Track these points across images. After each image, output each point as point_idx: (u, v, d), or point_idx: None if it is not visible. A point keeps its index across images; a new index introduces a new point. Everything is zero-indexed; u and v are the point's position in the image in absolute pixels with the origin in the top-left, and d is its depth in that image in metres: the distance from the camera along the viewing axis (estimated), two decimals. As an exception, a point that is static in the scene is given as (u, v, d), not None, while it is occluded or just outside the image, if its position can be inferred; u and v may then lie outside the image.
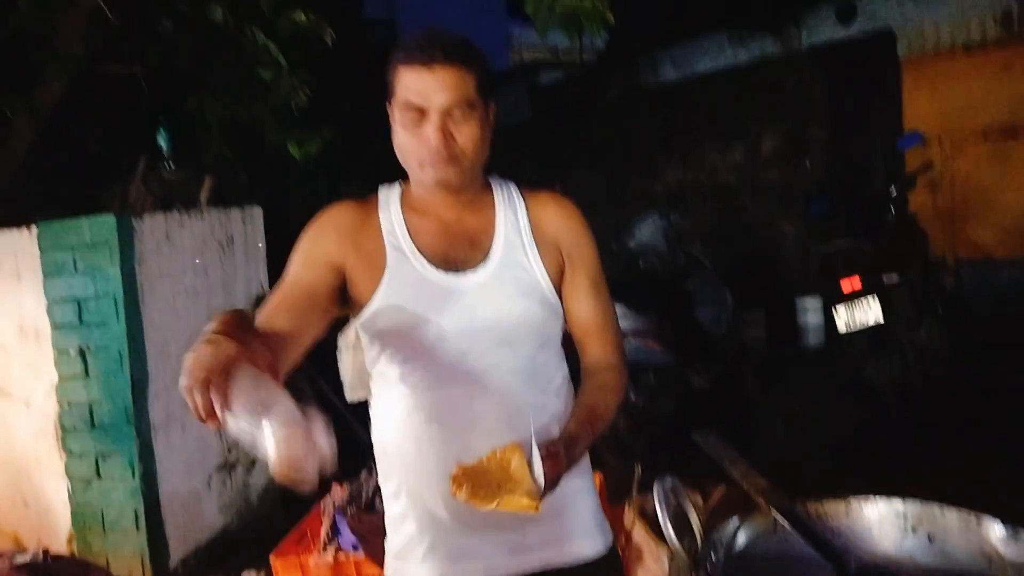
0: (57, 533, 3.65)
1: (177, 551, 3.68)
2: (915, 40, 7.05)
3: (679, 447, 3.93)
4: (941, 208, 7.00)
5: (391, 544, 1.65)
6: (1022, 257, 6.57)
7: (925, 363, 4.50)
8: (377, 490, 2.93)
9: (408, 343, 1.54)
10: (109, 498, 3.56)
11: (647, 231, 5.14)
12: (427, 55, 1.45)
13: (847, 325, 4.36)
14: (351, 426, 3.67)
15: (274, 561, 3.05)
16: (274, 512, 4.23)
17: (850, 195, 5.84)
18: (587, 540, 1.61)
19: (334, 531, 2.99)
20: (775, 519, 1.26)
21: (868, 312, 4.29)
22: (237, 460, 4.10)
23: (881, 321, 4.27)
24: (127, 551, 3.54)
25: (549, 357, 1.61)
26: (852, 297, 4.35)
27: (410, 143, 1.51)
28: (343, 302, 1.58)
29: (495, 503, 1.25)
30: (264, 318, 1.46)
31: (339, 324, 1.64)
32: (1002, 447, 4.01)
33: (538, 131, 9.50)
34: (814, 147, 7.15)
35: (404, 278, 1.55)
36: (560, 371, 1.63)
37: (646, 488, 3.02)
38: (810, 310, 6.61)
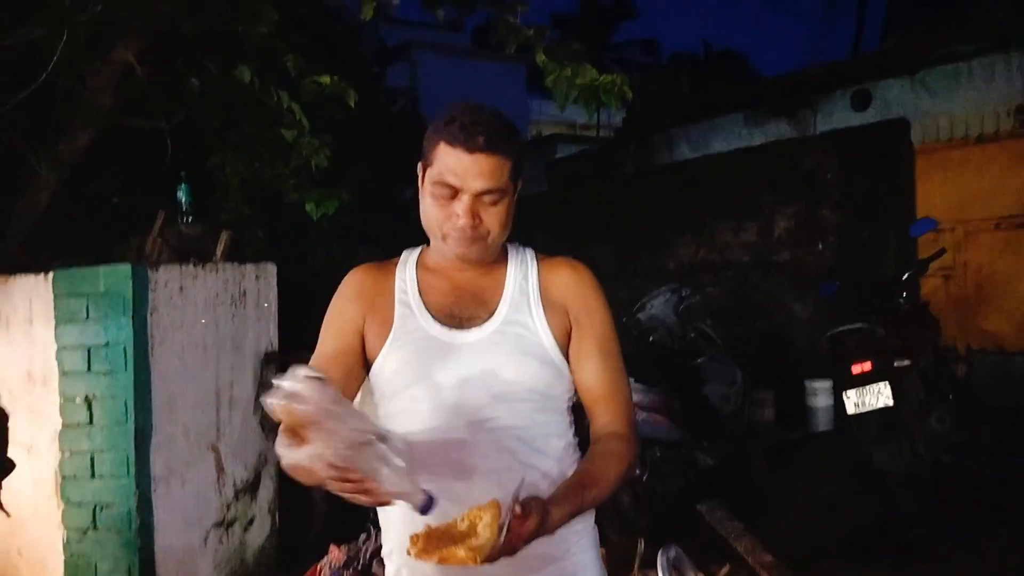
0: (48, 584, 3.59)
1: (168, 608, 3.61)
2: (929, 129, 7.15)
3: (684, 524, 3.88)
4: (954, 296, 7.00)
5: None
6: (1035, 349, 6.53)
7: (934, 450, 4.44)
8: (375, 554, 2.89)
9: (408, 396, 1.55)
10: (104, 550, 3.50)
11: (659, 305, 5.15)
12: (471, 141, 1.47)
13: (856, 407, 4.31)
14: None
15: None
16: (269, 572, 4.15)
17: (861, 279, 5.84)
18: None
19: (328, 596, 2.94)
20: (780, 599, 1.23)
21: (878, 396, 4.26)
22: (235, 517, 4.04)
23: (891, 404, 4.23)
24: (117, 606, 3.47)
25: (551, 420, 1.59)
26: (862, 380, 4.32)
27: (437, 216, 1.54)
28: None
29: (437, 556, 1.24)
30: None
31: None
32: (1010, 539, 3.93)
33: (553, 202, 9.61)
34: (827, 230, 7.19)
35: (409, 333, 1.57)
36: (563, 437, 1.61)
37: (648, 564, 2.96)
38: (819, 392, 6.55)
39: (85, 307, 3.53)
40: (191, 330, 3.83)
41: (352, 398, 1.57)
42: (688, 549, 3.17)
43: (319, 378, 1.20)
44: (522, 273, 1.64)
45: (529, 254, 1.68)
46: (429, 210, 1.55)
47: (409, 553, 1.28)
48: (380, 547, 2.92)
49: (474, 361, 1.54)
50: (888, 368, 4.32)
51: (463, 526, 1.33)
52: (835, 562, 3.71)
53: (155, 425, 3.58)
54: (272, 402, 1.19)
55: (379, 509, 1.64)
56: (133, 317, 3.50)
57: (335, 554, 2.99)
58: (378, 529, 3.10)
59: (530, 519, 1.31)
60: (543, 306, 1.60)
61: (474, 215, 1.51)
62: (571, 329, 1.61)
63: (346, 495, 1.25)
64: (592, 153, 11.70)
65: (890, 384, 4.28)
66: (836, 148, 7.19)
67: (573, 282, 1.65)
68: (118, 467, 3.49)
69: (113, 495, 3.50)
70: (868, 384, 4.30)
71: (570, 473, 1.55)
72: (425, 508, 1.30)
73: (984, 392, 5.52)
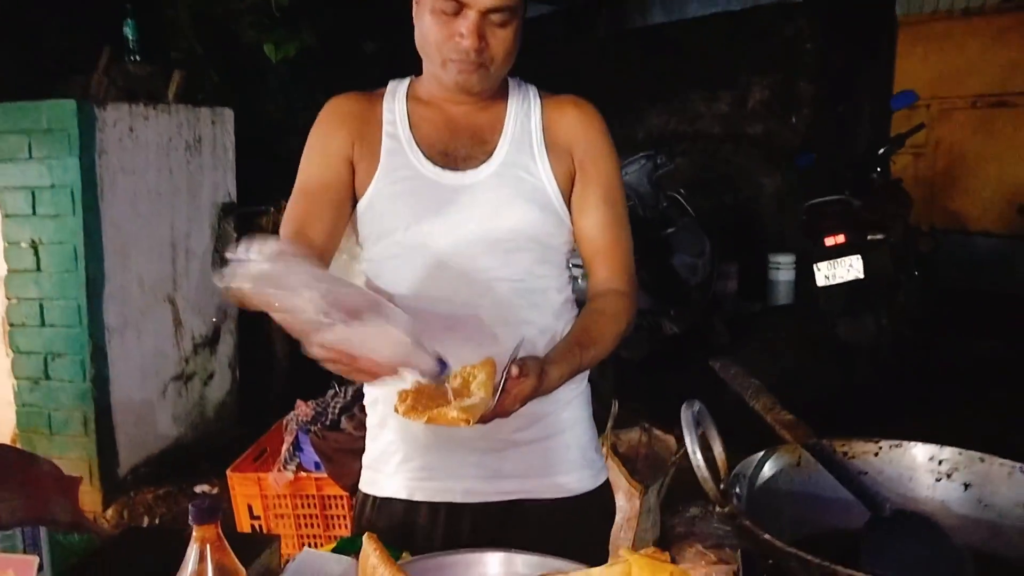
0: (1, 434, 3.48)
1: (128, 460, 3.54)
2: (914, 1, 6.92)
3: (649, 390, 3.89)
4: (922, 174, 6.97)
5: (368, 453, 1.56)
6: (998, 231, 6.58)
7: (898, 324, 4.48)
8: (343, 409, 2.82)
9: (395, 242, 1.42)
10: (57, 400, 3.39)
11: (633, 172, 5.01)
12: None
13: (827, 279, 4.30)
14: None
15: (231, 476, 2.93)
16: (231, 427, 4.09)
17: (836, 153, 5.75)
18: (574, 475, 1.51)
19: (296, 449, 2.87)
20: (801, 455, 1.16)
21: (849, 269, 4.24)
22: (194, 372, 3.95)
23: (861, 278, 4.22)
24: (74, 456, 3.39)
25: (550, 272, 1.48)
26: (835, 253, 4.29)
27: (437, 36, 1.35)
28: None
29: (426, 416, 1.15)
30: (294, 230, 1.36)
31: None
32: (965, 411, 4.02)
33: (522, 64, 9.23)
34: (802, 102, 7.03)
35: (397, 171, 1.42)
36: (562, 291, 1.51)
37: (619, 425, 2.94)
38: (782, 267, 6.56)
39: (27, 145, 3.27)
40: (143, 175, 3.61)
41: (340, 238, 1.43)
42: (654, 414, 3.18)
43: (292, 253, 1.06)
44: (524, 111, 1.48)
45: (532, 91, 1.52)
46: (427, 30, 1.37)
47: (397, 410, 1.18)
48: (349, 402, 2.86)
49: (470, 206, 1.40)
50: (861, 242, 4.29)
51: (455, 383, 1.24)
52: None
53: (107, 274, 3.40)
54: (236, 284, 1.03)
55: None
56: (80, 158, 3.26)
57: (302, 409, 2.91)
58: (344, 385, 3.03)
59: (527, 380, 1.22)
60: (546, 148, 1.46)
61: (480, 36, 1.33)
62: (575, 174, 1.48)
63: (348, 375, 1.15)
64: (561, 14, 11.20)
65: (862, 257, 4.25)
66: (818, 16, 6.93)
67: (580, 123, 1.50)
68: (69, 316, 3.33)
69: (65, 345, 3.36)
70: (840, 257, 4.27)
71: (567, 330, 1.45)
72: (437, 374, 1.19)
73: (945, 272, 5.57)
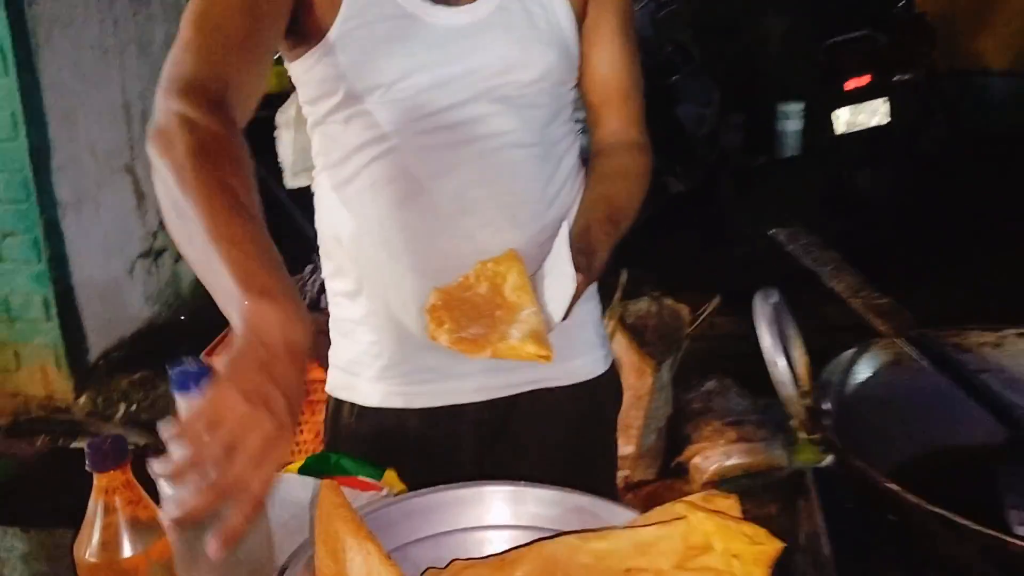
0: (-44, 321, 3.22)
1: (97, 344, 3.29)
2: None
3: (654, 253, 3.61)
4: (941, 9, 6.45)
5: (338, 353, 1.30)
6: (1021, 70, 6.15)
7: (922, 172, 4.16)
8: (323, 287, 2.53)
9: (375, 96, 1.08)
10: (13, 283, 3.10)
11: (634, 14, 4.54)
12: None
13: (847, 126, 3.94)
14: (292, 216, 3.24)
15: (207, 360, 2.68)
16: (210, 304, 3.82)
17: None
18: (588, 356, 1.28)
19: (273, 331, 2.61)
20: (900, 352, 0.88)
21: (874, 113, 3.88)
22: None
23: (886, 122, 3.86)
24: (38, 342, 3.14)
25: (565, 130, 1.21)
26: (857, 96, 3.92)
27: None
28: (293, 33, 1.08)
29: (488, 351, 0.92)
30: (206, 64, 0.96)
31: (275, 100, 1.22)
32: (985, 266, 3.76)
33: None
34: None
35: (373, 6, 1.07)
36: (572, 151, 1.23)
37: (627, 297, 2.68)
38: (791, 116, 6.14)
39: (-60, -7, 2.83)
40: (83, 29, 3.18)
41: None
42: (662, 281, 2.91)
43: None
44: None
45: None
46: None
47: (435, 338, 0.94)
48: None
49: (472, 52, 1.10)
50: (887, 83, 3.91)
51: (481, 288, 1.01)
52: (802, 292, 3.53)
53: (53, 142, 3.04)
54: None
55: (324, 235, 1.23)
56: (7, 7, 2.83)
57: (277, 287, 2.63)
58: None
59: (585, 276, 1.01)
60: None
61: None
62: (587, 4, 1.18)
63: None
64: None
65: (888, 101, 3.89)
66: None
67: None
68: (16, 190, 3.00)
69: (15, 222, 3.04)
70: (864, 100, 3.90)
71: (578, 197, 1.20)
72: None
73: (968, 115, 5.21)
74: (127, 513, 0.80)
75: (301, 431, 2.72)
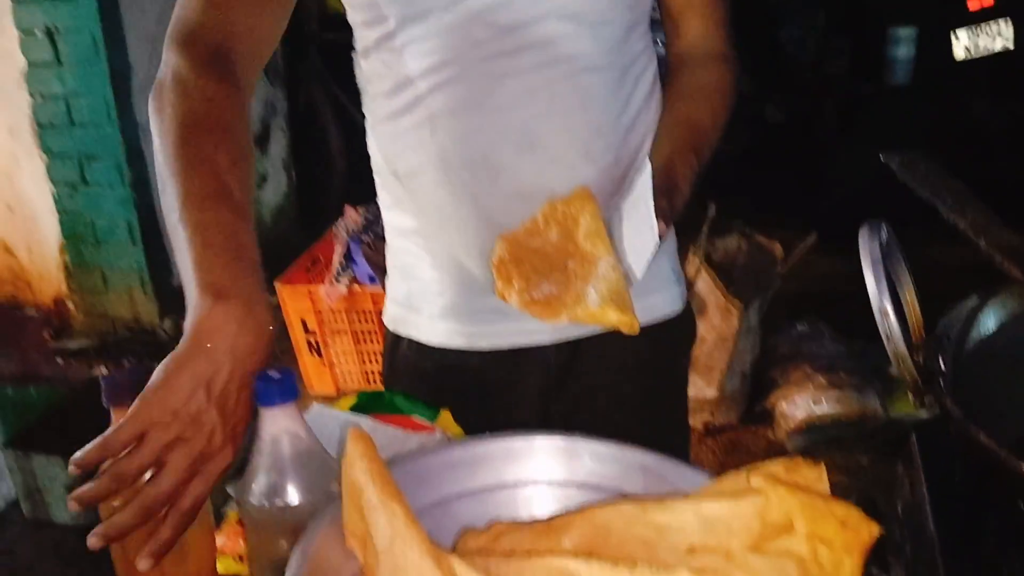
0: (47, 242, 3.29)
1: (181, 269, 3.33)
2: None
3: (747, 187, 3.41)
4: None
5: (396, 287, 1.21)
6: None
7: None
8: (396, 215, 2.47)
9: (430, 19, 0.97)
10: (98, 207, 3.14)
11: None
12: None
13: (967, 52, 3.61)
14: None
15: (279, 288, 2.68)
16: (291, 232, 3.84)
17: None
18: (661, 294, 1.16)
19: (348, 260, 2.57)
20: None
21: (996, 37, 3.53)
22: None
23: (1010, 48, 3.52)
24: (124, 266, 3.19)
25: (639, 48, 1.07)
26: (980, 17, 3.57)
27: None
28: None
29: (565, 317, 0.82)
30: (211, 7, 0.90)
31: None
32: None
33: None
34: None
35: None
36: (650, 70, 1.09)
37: (714, 233, 2.52)
38: (903, 41, 5.71)
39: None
40: (163, -53, 3.13)
41: (277, 20, 0.97)
42: (754, 217, 2.73)
43: None
44: None
45: None
46: None
47: (503, 297, 0.85)
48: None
49: None
50: (1013, 2, 3.54)
51: (551, 234, 0.90)
52: (907, 229, 3.28)
53: (134, 65, 3.03)
54: None
55: (382, 169, 1.14)
56: (85, -72, 2.80)
57: (351, 216, 2.58)
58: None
59: (667, 219, 0.90)
60: None
61: None
62: None
63: None
64: None
65: (1013, 23, 3.53)
66: None
67: None
68: (98, 113, 3.01)
69: (98, 146, 3.06)
70: (986, 21, 3.55)
71: (655, 124, 1.07)
72: None
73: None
74: None
75: (375, 361, 2.70)
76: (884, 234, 0.64)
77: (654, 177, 0.92)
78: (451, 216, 1.06)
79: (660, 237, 0.87)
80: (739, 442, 2.35)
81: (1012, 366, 0.71)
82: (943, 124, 4.11)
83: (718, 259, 2.44)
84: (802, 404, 2.23)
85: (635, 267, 0.89)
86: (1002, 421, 0.62)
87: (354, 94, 1.16)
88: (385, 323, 1.23)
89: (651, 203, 0.87)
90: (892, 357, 0.62)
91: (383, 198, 1.17)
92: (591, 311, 0.82)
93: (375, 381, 2.73)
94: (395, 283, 1.20)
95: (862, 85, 5.72)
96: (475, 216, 1.03)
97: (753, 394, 2.40)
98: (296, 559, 0.63)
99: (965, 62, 3.67)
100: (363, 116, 1.15)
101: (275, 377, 0.73)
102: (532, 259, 0.89)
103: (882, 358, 2.47)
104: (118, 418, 0.74)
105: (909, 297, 0.65)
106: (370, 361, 2.70)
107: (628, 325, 0.82)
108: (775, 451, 2.29)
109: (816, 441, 2.24)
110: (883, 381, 2.34)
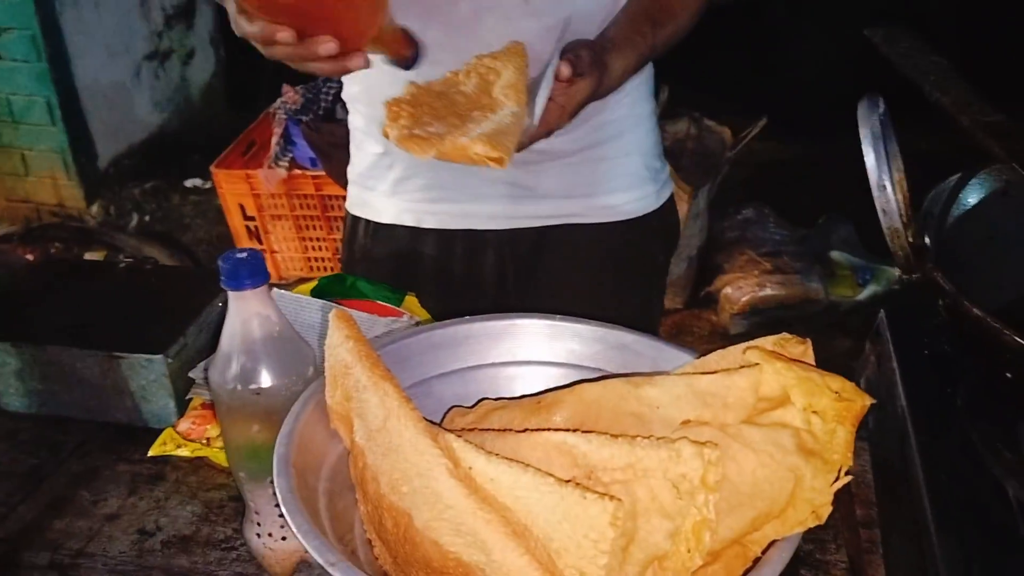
0: (-40, 121, 3.09)
1: (106, 150, 3.17)
2: None
3: (697, 70, 3.36)
4: None
5: (353, 165, 1.18)
6: None
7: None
8: (337, 96, 2.37)
9: None
10: (14, 83, 2.94)
11: None
12: None
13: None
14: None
15: (215, 173, 2.57)
16: (221, 112, 3.67)
17: None
18: (633, 191, 1.12)
19: (287, 142, 2.47)
20: (1009, 181, 0.75)
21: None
22: (171, 48, 3.44)
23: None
24: (44, 147, 3.02)
25: None
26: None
27: None
28: None
29: (433, 151, 0.75)
30: None
31: None
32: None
33: None
34: None
35: None
36: None
37: (665, 117, 2.50)
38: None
39: None
40: None
41: None
42: (703, 101, 2.70)
43: None
44: None
45: None
46: None
47: (387, 135, 0.77)
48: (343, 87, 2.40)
49: None
50: None
51: (468, 85, 0.83)
52: (854, 119, 3.30)
53: (46, -71, 2.79)
54: None
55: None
56: None
57: (290, 96, 2.46)
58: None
59: (582, 81, 0.83)
60: None
61: None
62: None
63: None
64: None
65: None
66: None
67: None
68: (8, -21, 2.78)
69: (10, 17, 2.83)
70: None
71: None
72: (409, 62, 0.85)
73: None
74: None
75: (319, 248, 2.64)
76: (880, 109, 0.63)
77: (596, 42, 0.88)
78: (381, 72, 1.00)
79: (558, 78, 0.80)
80: (684, 325, 2.40)
81: (990, 242, 0.73)
82: (887, 11, 4.09)
83: (668, 144, 2.42)
84: (746, 288, 2.28)
85: (537, 111, 0.82)
86: (982, 295, 0.63)
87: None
88: (346, 207, 1.20)
89: (557, 48, 0.83)
90: (887, 232, 0.61)
91: None
92: (458, 144, 0.75)
93: (318, 269, 2.68)
94: (353, 161, 1.16)
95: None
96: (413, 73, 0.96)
97: (699, 278, 2.44)
98: (281, 442, 0.62)
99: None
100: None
101: (243, 258, 0.69)
102: (436, 103, 0.82)
103: (823, 243, 2.52)
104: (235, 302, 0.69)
105: (898, 175, 0.65)
106: (313, 248, 2.65)
107: (496, 160, 0.75)
108: (719, 334, 2.35)
109: (758, 323, 2.30)
110: (824, 265, 2.40)
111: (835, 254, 2.40)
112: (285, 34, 0.72)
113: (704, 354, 0.64)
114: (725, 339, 2.33)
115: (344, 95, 1.13)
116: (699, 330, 2.38)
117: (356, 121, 1.12)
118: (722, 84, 3.16)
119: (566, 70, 0.79)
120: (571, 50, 0.83)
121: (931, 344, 0.78)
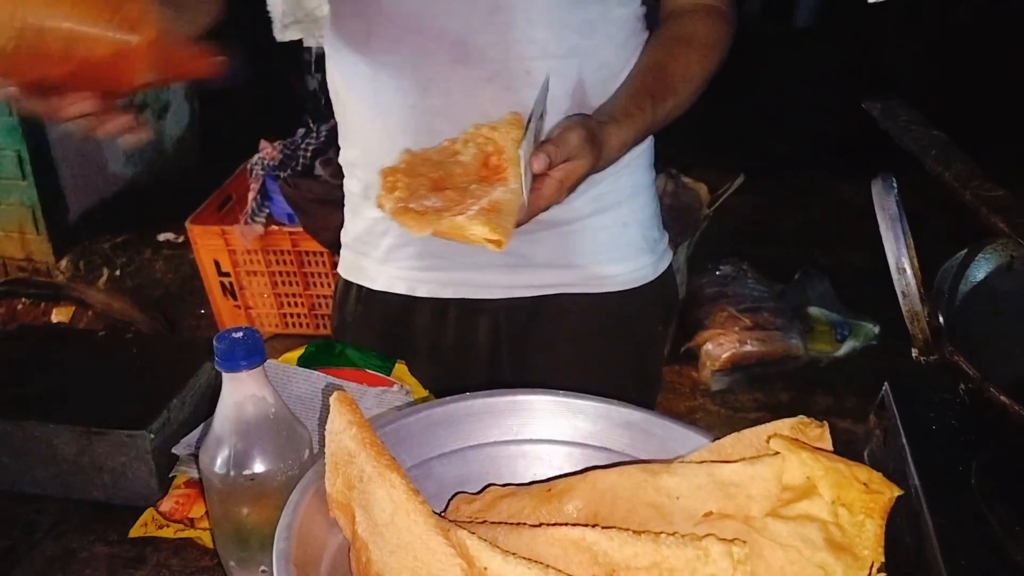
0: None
1: (77, 204, 3.12)
2: None
3: (672, 127, 3.41)
4: None
5: (347, 229, 1.15)
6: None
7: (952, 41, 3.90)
8: (317, 152, 2.36)
9: None
10: (-15, 138, 2.90)
11: None
12: None
13: (878, -7, 3.68)
14: (282, 74, 3.01)
15: (191, 229, 2.53)
16: (194, 166, 3.64)
17: None
18: (630, 262, 1.10)
19: (264, 198, 2.45)
20: (1015, 255, 0.74)
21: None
22: (145, 103, 3.41)
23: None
24: (14, 201, 2.97)
25: None
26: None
27: None
28: None
29: (430, 228, 0.73)
30: None
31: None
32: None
33: None
34: None
35: None
36: (629, 6, 1.00)
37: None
38: (812, -17, 5.80)
39: None
40: None
41: None
42: (679, 158, 2.73)
43: None
44: None
45: None
46: None
47: (381, 206, 0.75)
48: (323, 144, 2.39)
49: None
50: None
51: (466, 155, 0.82)
52: (820, 171, 3.37)
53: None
54: None
55: (334, 101, 1.07)
56: None
57: (268, 151, 2.45)
58: (318, 122, 2.55)
59: (580, 158, 0.81)
60: None
61: None
62: None
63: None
64: None
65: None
66: None
67: None
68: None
69: (-19, 70, 2.80)
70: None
71: (632, 64, 0.99)
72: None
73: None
74: None
75: (295, 304, 2.60)
76: (894, 188, 0.63)
77: (594, 117, 0.87)
78: (379, 137, 0.99)
79: (532, 170, 0.78)
80: (666, 382, 2.38)
81: (997, 317, 0.72)
82: (853, 64, 4.20)
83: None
84: (727, 344, 2.27)
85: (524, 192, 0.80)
86: (992, 372, 0.62)
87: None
88: (338, 271, 1.18)
89: (538, 121, 0.80)
90: (907, 315, 0.60)
91: (340, 133, 1.10)
92: (456, 223, 0.72)
93: (294, 325, 2.64)
94: (347, 225, 1.14)
95: (771, 25, 5.80)
96: (403, 137, 0.94)
97: (679, 335, 2.44)
98: (281, 536, 0.58)
99: (877, 4, 3.74)
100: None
101: (239, 338, 0.67)
102: (432, 174, 0.80)
103: (800, 299, 2.54)
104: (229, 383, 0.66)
105: (910, 253, 0.64)
106: (289, 304, 2.61)
107: (494, 242, 0.73)
108: (700, 391, 2.34)
109: (739, 380, 2.30)
110: (802, 321, 2.41)
111: (813, 310, 2.42)
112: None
113: (691, 416, 0.62)
114: (706, 395, 2.32)
115: (341, 159, 1.11)
116: (681, 387, 2.36)
117: (353, 186, 1.10)
118: (697, 139, 3.21)
119: (539, 165, 0.77)
120: (573, 126, 0.82)
121: (938, 419, 0.77)
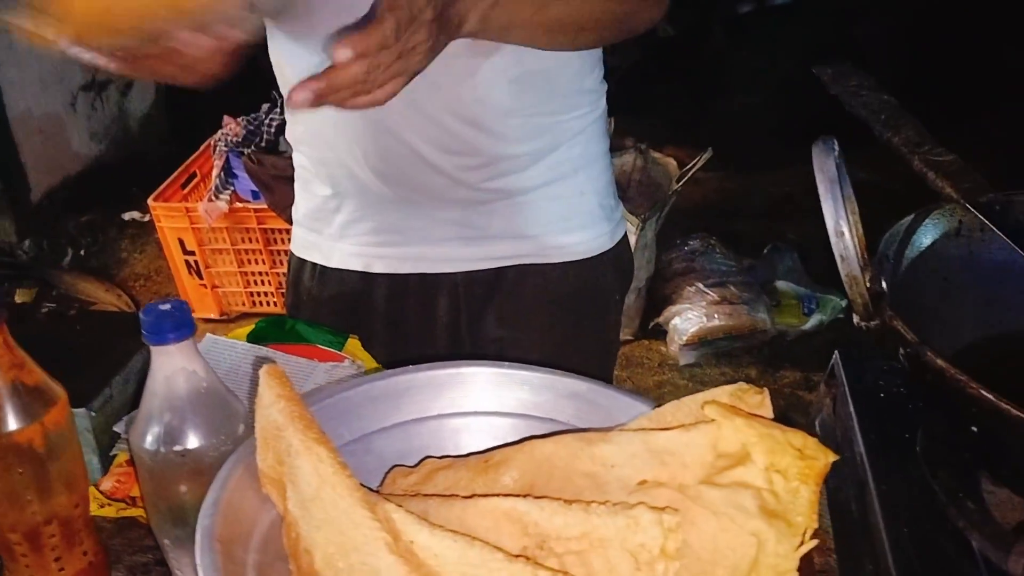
0: None
1: (40, 182, 3.06)
2: None
3: (642, 103, 3.39)
4: None
5: (298, 206, 1.13)
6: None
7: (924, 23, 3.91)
8: (281, 127, 2.32)
9: None
10: (-60, 114, 2.84)
11: None
12: None
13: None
14: (246, 47, 2.95)
15: (153, 207, 2.49)
16: (159, 144, 3.58)
17: None
18: (588, 231, 1.09)
19: (228, 175, 2.41)
20: (962, 220, 0.74)
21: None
22: (108, 79, 3.35)
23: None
24: (-28, 179, 2.90)
25: None
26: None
27: None
28: None
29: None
30: None
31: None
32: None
33: None
34: None
35: None
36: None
37: (612, 148, 2.50)
38: (786, -41, 5.78)
39: None
40: None
41: None
42: (647, 132, 2.72)
43: None
44: None
45: None
46: None
47: None
48: (285, 118, 2.36)
49: None
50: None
51: None
52: (791, 148, 3.36)
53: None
54: None
55: (276, 71, 1.04)
56: None
57: (231, 127, 2.41)
58: (283, 97, 2.51)
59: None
60: None
61: None
62: None
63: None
64: None
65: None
66: None
67: None
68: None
69: (-65, 45, 2.73)
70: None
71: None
72: None
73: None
74: (8, 379, 0.65)
75: (262, 282, 2.57)
76: (835, 150, 0.62)
77: None
78: (324, 114, 0.96)
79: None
80: (634, 356, 2.38)
81: (944, 283, 0.71)
82: (825, 40, 4.18)
83: (615, 176, 2.42)
84: (694, 319, 2.27)
85: None
86: (938, 339, 0.62)
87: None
88: (291, 249, 1.16)
89: None
90: (845, 280, 0.59)
91: (287, 110, 1.08)
92: None
93: (261, 304, 2.61)
94: (298, 202, 1.12)
95: (744, 2, 5.78)
96: (362, 115, 0.91)
97: (648, 310, 2.43)
98: (205, 513, 0.57)
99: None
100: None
101: (166, 310, 0.65)
102: None
103: (769, 273, 2.54)
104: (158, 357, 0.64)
105: (854, 218, 0.63)
106: (256, 283, 2.58)
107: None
108: (669, 365, 2.33)
109: (707, 354, 2.30)
110: (770, 295, 2.41)
111: (780, 284, 2.42)
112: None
113: (659, 391, 0.61)
114: (675, 370, 2.32)
115: (287, 135, 1.09)
116: (649, 361, 2.36)
117: (301, 161, 1.08)
118: (667, 116, 3.20)
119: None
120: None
121: (886, 387, 0.76)
